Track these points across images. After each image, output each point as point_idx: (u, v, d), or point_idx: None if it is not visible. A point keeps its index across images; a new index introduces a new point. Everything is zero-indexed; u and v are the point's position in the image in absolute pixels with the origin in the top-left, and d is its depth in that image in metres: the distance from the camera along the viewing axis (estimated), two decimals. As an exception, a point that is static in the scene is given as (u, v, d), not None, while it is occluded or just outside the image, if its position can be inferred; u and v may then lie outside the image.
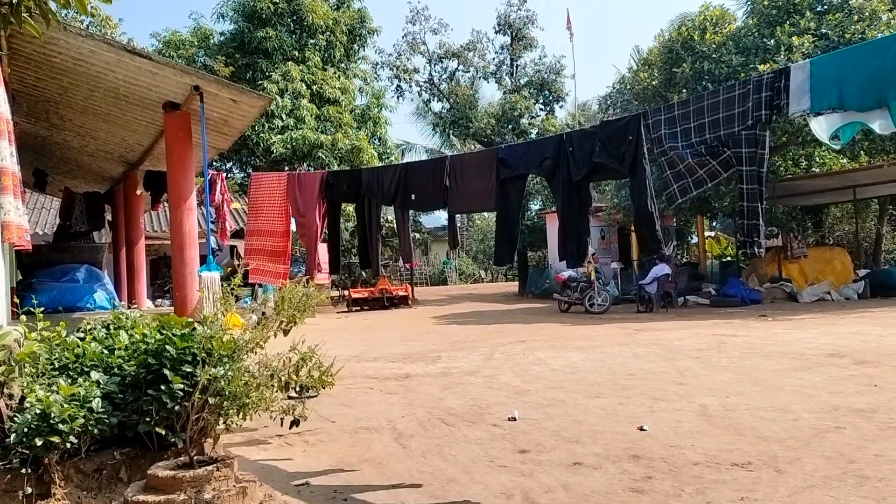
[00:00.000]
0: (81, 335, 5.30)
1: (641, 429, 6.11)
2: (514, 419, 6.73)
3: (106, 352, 4.87)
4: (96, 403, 4.15)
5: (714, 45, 18.74)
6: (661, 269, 18.48)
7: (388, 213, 22.05)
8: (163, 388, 4.15)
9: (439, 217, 44.85)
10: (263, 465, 5.57)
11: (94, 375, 4.48)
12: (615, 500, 4.42)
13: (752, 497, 4.33)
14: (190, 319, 4.81)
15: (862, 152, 19.28)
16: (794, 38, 17.07)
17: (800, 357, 9.44)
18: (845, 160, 20.38)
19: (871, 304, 17.05)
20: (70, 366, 4.68)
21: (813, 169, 20.76)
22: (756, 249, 4.96)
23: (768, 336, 11.94)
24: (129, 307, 7.17)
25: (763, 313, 16.07)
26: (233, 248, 21.02)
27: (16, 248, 6.14)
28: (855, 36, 16.41)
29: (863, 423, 5.90)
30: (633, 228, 23.15)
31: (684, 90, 18.34)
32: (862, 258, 22.28)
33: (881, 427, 5.76)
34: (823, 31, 17.47)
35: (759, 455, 5.18)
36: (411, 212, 8.53)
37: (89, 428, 4.09)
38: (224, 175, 10.79)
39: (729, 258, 26.45)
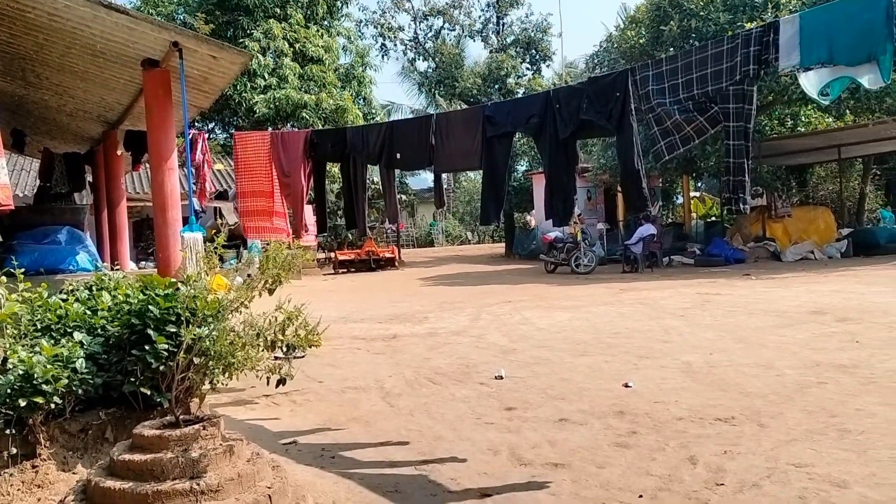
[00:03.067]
0: (64, 296, 5.24)
1: (626, 385, 6.17)
2: (501, 377, 6.77)
3: (89, 313, 4.82)
4: (80, 364, 4.11)
5: (702, 3, 18.56)
6: (647, 229, 18.52)
7: (375, 175, 21.89)
8: (147, 348, 4.11)
9: (426, 178, 44.60)
10: (251, 424, 5.58)
11: (78, 336, 4.44)
12: (600, 455, 4.47)
13: (735, 451, 4.38)
14: (173, 280, 4.77)
15: (847, 111, 19.28)
16: (782, -6, 16.93)
17: (783, 315, 9.53)
18: (830, 119, 20.39)
19: (853, 263, 17.21)
20: (53, 327, 4.63)
21: (798, 128, 20.75)
22: (741, 206, 4.95)
23: (752, 294, 12.04)
24: (111, 269, 7.11)
25: (747, 272, 16.19)
26: (216, 209, 20.84)
27: (-2, 207, 6.03)
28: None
29: (844, 379, 5.98)
30: (619, 189, 23.14)
31: (671, 48, 18.18)
32: (845, 217, 22.45)
33: (862, 382, 5.84)
34: (812, -14, 17.30)
35: (743, 410, 5.24)
36: (398, 173, 8.45)
37: (73, 388, 4.06)
38: (205, 135, 10.62)
39: (714, 218, 26.55)
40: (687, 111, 5.13)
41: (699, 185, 29.36)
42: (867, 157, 23.13)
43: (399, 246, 28.75)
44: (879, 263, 16.53)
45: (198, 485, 3.23)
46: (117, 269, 7.47)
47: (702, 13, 18.28)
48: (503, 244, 32.29)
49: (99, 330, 4.59)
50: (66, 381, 3.97)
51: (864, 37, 4.00)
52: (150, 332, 4.14)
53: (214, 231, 4.41)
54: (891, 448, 4.27)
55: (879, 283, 12.61)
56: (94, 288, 5.49)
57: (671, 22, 18.78)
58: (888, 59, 4.03)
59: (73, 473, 4.11)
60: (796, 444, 4.46)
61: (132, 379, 4.21)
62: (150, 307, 4.22)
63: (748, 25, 16.14)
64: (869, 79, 4.33)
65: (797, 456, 4.23)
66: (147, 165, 10.87)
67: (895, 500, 3.54)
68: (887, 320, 8.60)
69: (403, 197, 31.71)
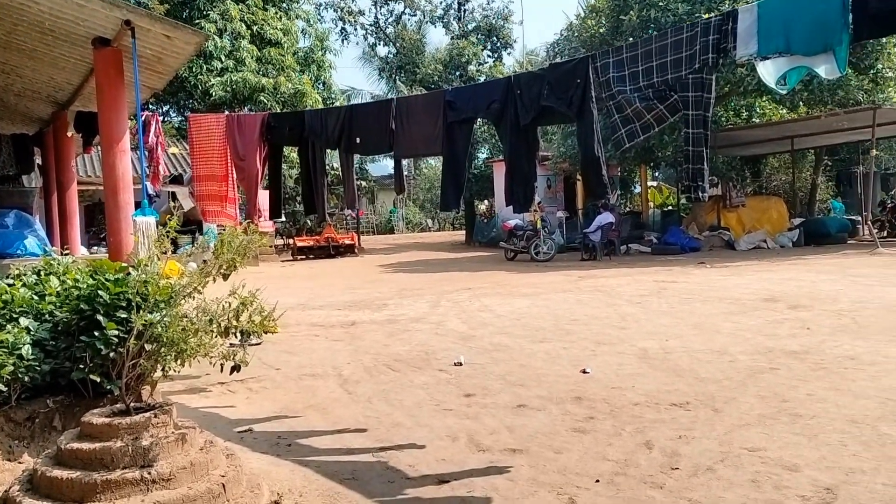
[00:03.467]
0: (10, 281, 5.07)
1: (584, 371, 6.21)
2: (461, 364, 6.76)
3: (36, 298, 4.67)
4: (26, 350, 3.98)
5: (661, -7, 18.71)
6: (605, 217, 18.70)
7: (335, 161, 21.69)
8: (97, 334, 3.99)
9: (386, 165, 44.40)
10: (205, 412, 5.48)
11: (24, 322, 4.29)
12: (558, 440, 4.48)
13: (690, 435, 4.44)
14: (124, 264, 4.63)
15: (801, 103, 19.68)
16: (739, -13, 17.16)
17: (736, 302, 9.70)
18: (785, 111, 20.79)
19: (805, 252, 17.62)
20: (-3, 312, 4.47)
21: (753, 119, 21.12)
22: (700, 193, 5.01)
23: (706, 282, 12.24)
24: (61, 254, 6.91)
25: (702, 260, 16.46)
26: (171, 193, 20.42)
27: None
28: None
29: (796, 364, 6.10)
30: (578, 177, 23.34)
31: (631, 38, 18.31)
32: (797, 207, 22.96)
33: (813, 368, 5.97)
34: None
35: (697, 395, 5.32)
36: (357, 158, 8.35)
37: (19, 375, 3.92)
38: (159, 117, 10.38)
39: (670, 207, 26.94)
40: (647, 99, 5.15)
41: (656, 174, 29.74)
42: (819, 149, 23.67)
43: (359, 233, 28.56)
44: (830, 253, 16.96)
45: (148, 474, 3.14)
46: (67, 254, 7.27)
47: (661, 3, 18.45)
48: (463, 232, 32.32)
49: (47, 316, 4.45)
50: (11, 367, 3.84)
51: (821, 27, 4.06)
52: (100, 317, 4.01)
53: (168, 215, 4.29)
54: (840, 432, 4.37)
55: (829, 271, 12.92)
56: (42, 273, 5.32)
57: (631, 12, 18.93)
58: (844, 50, 4.10)
59: (20, 463, 3.98)
60: (749, 428, 4.53)
61: (81, 366, 4.08)
62: (99, 292, 4.09)
63: (706, 17, 16.35)
64: (825, 69, 4.40)
65: (750, 440, 4.30)
66: (98, 148, 10.60)
67: (845, 483, 3.61)
68: (836, 307, 8.81)
69: (363, 183, 31.50)
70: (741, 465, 3.91)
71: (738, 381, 5.69)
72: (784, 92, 9.97)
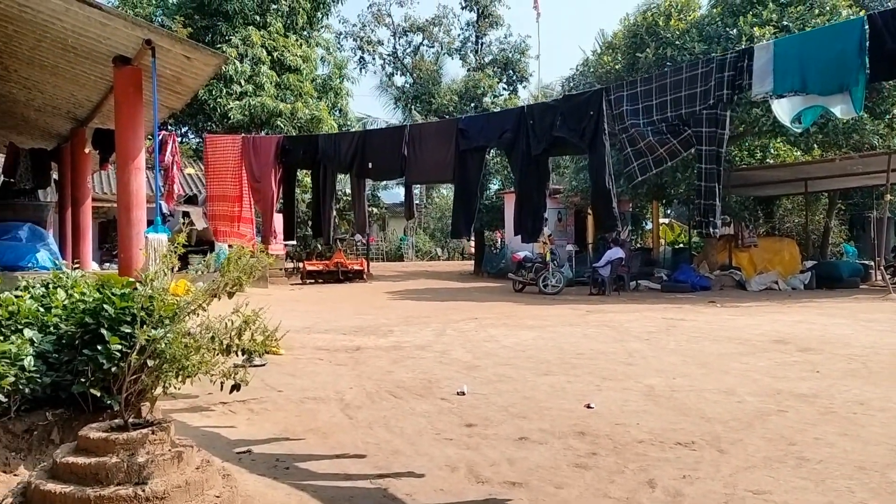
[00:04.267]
0: (18, 293, 5.09)
1: (588, 406, 6.13)
2: (463, 393, 6.70)
3: (42, 310, 4.68)
4: (28, 362, 3.98)
5: (678, 32, 18.85)
6: (615, 252, 18.65)
7: (347, 187, 21.73)
8: (99, 348, 3.99)
9: (398, 192, 44.53)
10: (205, 431, 5.44)
11: (28, 333, 4.30)
12: (559, 475, 4.41)
13: (695, 475, 4.36)
14: (131, 279, 4.64)
15: (815, 146, 19.66)
16: (755, 28, 17.25)
17: (746, 342, 9.61)
18: (799, 153, 20.78)
19: (816, 295, 17.48)
20: (3, 323, 4.47)
21: (767, 160, 21.10)
22: (711, 229, 4.98)
23: (716, 321, 12.14)
24: (72, 268, 6.93)
25: (712, 299, 16.35)
26: (185, 213, 20.55)
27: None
28: (815, 30, 16.67)
29: (804, 408, 6.01)
30: (589, 211, 23.32)
31: (646, 75, 18.43)
32: (810, 250, 22.83)
33: (822, 411, 5.87)
34: (785, 23, 17.69)
35: (703, 435, 5.23)
36: (369, 185, 8.38)
37: (20, 387, 3.92)
38: (176, 137, 10.48)
39: (682, 245, 26.85)
40: (660, 133, 5.16)
41: (668, 211, 29.72)
42: (833, 192, 23.60)
43: (368, 259, 28.58)
44: (841, 296, 16.81)
45: (142, 491, 3.12)
46: (77, 268, 7.30)
47: (677, 42, 18.57)
48: (472, 261, 32.28)
49: (51, 328, 4.45)
50: (12, 378, 3.83)
51: (837, 67, 4.05)
52: (104, 331, 4.01)
53: (178, 233, 4.30)
54: (848, 478, 4.28)
55: (841, 315, 12.79)
56: (50, 285, 5.34)
57: (647, 49, 19.04)
58: (860, 91, 4.08)
59: (15, 475, 3.95)
60: (755, 470, 4.45)
61: (83, 379, 4.07)
62: (104, 306, 4.10)
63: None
64: (841, 109, 4.38)
65: (755, 483, 4.22)
66: (114, 165, 10.68)
67: (851, 530, 3.53)
68: (847, 352, 8.70)
69: (375, 210, 31.56)
70: (745, 508, 3.83)
71: (744, 422, 5.60)
72: (799, 131, 9.94)
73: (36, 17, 6.98)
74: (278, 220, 11.09)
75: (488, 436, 5.32)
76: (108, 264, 17.52)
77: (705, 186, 4.91)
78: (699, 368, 7.84)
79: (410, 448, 5.05)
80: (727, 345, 9.45)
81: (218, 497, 3.29)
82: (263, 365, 7.55)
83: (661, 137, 5.16)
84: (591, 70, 22.09)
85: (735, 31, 18.06)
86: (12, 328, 4.44)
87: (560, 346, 9.59)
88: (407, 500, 4.03)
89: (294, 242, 23.45)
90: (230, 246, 6.23)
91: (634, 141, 5.25)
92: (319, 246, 26.28)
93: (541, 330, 11.26)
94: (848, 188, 23.38)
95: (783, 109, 4.65)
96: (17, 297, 4.85)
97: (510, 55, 31.96)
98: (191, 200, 21.03)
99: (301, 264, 25.27)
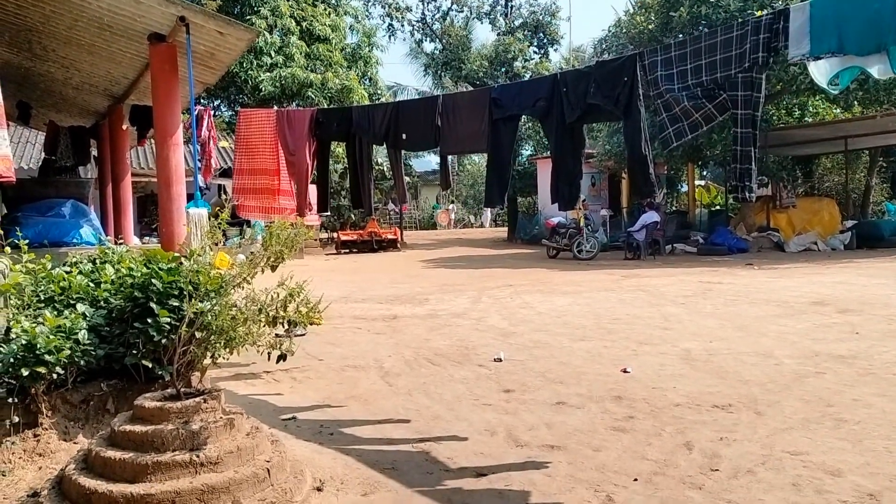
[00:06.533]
0: (67, 269, 5.27)
1: (625, 371, 6.19)
2: (500, 360, 6.80)
3: (92, 285, 4.85)
4: (82, 335, 4.14)
5: (713, -10, 18.39)
6: (650, 216, 18.49)
7: (379, 156, 21.76)
8: (149, 321, 4.14)
9: (429, 160, 44.59)
10: (251, 399, 5.62)
11: (80, 308, 4.47)
12: (597, 439, 4.49)
13: (732, 437, 4.41)
14: (177, 254, 4.78)
15: (856, 102, 19.16)
16: (793, -17, 16.79)
17: (784, 305, 9.54)
18: (838, 110, 20.26)
19: (856, 255, 17.18)
20: (56, 298, 4.66)
21: (806, 119, 20.63)
22: (747, 193, 4.94)
23: (754, 284, 12.04)
24: (115, 243, 7.13)
25: (749, 262, 16.18)
26: (220, 186, 20.83)
27: (0, 180, 6.03)
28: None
29: (843, 369, 5.99)
30: (623, 175, 23.12)
31: (681, 34, 18.04)
32: (850, 209, 22.37)
33: (860, 373, 5.86)
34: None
35: (740, 398, 5.26)
36: (402, 154, 8.41)
37: (76, 359, 4.09)
38: (211, 112, 10.59)
39: (718, 207, 26.47)
40: (695, 97, 5.10)
41: (704, 173, 29.23)
42: (874, 150, 23.00)
43: (402, 228, 28.74)
44: (883, 256, 16.50)
45: (197, 457, 3.26)
46: (121, 243, 7.50)
47: (712, 0, 18.14)
48: (506, 228, 32.24)
49: (102, 302, 4.62)
50: (68, 351, 4.00)
51: (874, 27, 3.97)
52: (153, 305, 4.16)
53: (219, 208, 4.41)
54: (886, 438, 4.29)
55: (882, 275, 12.60)
56: (97, 261, 5.52)
57: (681, 8, 18.64)
58: (898, 50, 4.01)
59: (75, 443, 4.15)
60: (792, 432, 4.48)
61: (134, 351, 4.24)
62: (153, 281, 4.24)
63: (758, 14, 16.03)
64: (878, 69, 4.31)
65: (793, 444, 4.26)
66: (152, 140, 10.85)
67: (889, 490, 3.56)
68: (887, 312, 8.60)
69: (407, 179, 31.62)
70: (782, 469, 3.88)
71: (782, 384, 5.61)
72: (836, 92, 9.72)
73: (73, -3, 7.10)
74: (312, 192, 11.22)
75: (526, 401, 5.41)
76: (147, 238, 17.89)
77: (741, 150, 4.86)
78: (736, 332, 7.83)
79: (450, 413, 5.16)
80: (765, 307, 9.40)
81: (268, 462, 3.43)
82: (304, 334, 7.73)
83: (697, 102, 5.11)
84: (624, 31, 21.70)
85: (772, -14, 17.56)
86: (65, 303, 4.62)
87: (595, 311, 9.62)
88: (448, 464, 4.15)
89: (328, 213, 23.67)
90: (270, 221, 6.32)
91: (669, 106, 5.21)
92: (353, 216, 26.48)
93: (576, 296, 11.29)
94: (889, 145, 22.71)
95: (820, 71, 4.58)
96: (66, 273, 5.03)
97: (540, 17, 31.50)
98: (226, 173, 21.24)
99: (335, 234, 25.52)
